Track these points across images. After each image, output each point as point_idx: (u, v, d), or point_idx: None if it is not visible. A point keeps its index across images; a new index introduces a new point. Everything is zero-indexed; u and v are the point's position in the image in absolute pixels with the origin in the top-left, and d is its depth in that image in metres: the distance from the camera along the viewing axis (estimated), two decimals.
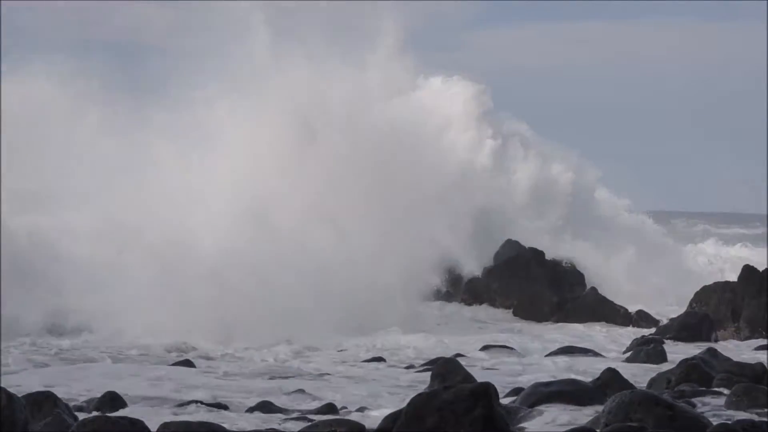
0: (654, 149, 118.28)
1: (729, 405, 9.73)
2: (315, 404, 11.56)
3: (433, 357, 15.45)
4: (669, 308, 22.95)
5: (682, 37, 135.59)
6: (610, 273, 25.53)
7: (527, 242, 24.56)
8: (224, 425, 9.15)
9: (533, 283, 23.72)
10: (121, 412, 10.14)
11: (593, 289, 23.56)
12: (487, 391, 7.44)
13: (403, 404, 8.08)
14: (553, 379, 11.52)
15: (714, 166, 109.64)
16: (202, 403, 11.52)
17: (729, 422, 8.21)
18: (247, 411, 11.16)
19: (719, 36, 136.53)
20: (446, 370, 11.53)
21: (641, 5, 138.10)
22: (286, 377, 14.39)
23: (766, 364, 12.31)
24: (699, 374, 12.05)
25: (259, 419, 10.70)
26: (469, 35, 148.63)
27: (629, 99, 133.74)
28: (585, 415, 9.76)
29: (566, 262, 24.74)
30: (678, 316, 19.84)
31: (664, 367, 13.94)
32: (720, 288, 20.54)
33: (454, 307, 23.45)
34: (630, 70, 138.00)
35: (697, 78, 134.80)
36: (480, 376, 11.06)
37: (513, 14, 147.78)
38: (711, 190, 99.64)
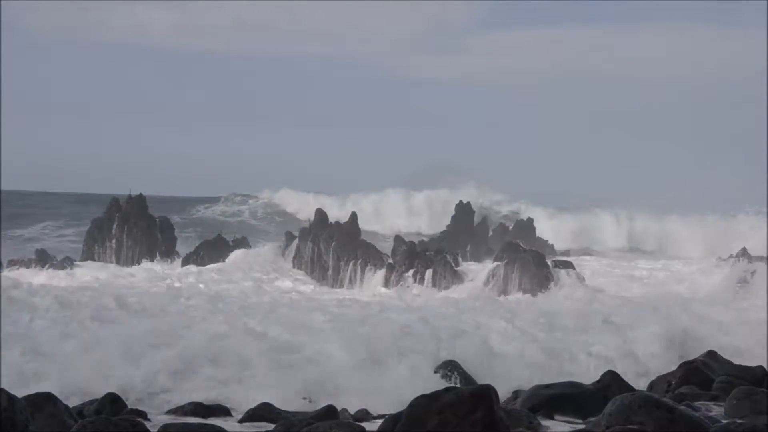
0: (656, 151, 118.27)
1: (729, 408, 9.71)
2: (315, 407, 11.57)
3: None
4: None
5: (684, 40, 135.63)
6: None
7: None
8: (224, 427, 9.14)
9: None
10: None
11: None
12: (488, 393, 7.44)
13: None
14: (553, 382, 11.53)
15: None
16: (202, 404, 11.54)
17: (729, 425, 8.20)
18: (246, 413, 11.16)
19: (721, 38, 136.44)
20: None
21: (642, 8, 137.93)
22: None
23: (766, 368, 12.32)
24: (699, 377, 12.06)
25: (258, 422, 10.71)
26: (471, 38, 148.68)
27: (632, 101, 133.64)
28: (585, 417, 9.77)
29: None
30: None
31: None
32: None
33: None
34: (632, 73, 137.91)
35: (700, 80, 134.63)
36: None
37: (514, 17, 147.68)
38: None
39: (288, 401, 12.55)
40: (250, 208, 72.08)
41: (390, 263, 34.31)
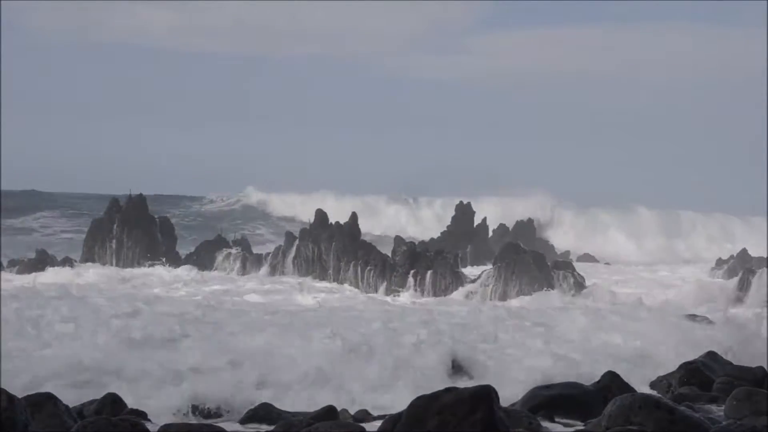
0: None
1: (729, 409, 9.70)
2: (315, 407, 11.54)
3: None
4: None
5: (683, 40, 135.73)
6: None
7: None
8: (224, 427, 9.13)
9: None
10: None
11: None
12: (488, 394, 7.44)
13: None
14: (553, 383, 11.52)
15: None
16: (203, 405, 11.52)
17: (730, 426, 8.20)
18: (246, 413, 11.15)
19: (721, 39, 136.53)
20: None
21: (642, 8, 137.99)
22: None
23: (766, 368, 12.31)
24: (699, 378, 12.06)
25: (258, 422, 10.70)
26: (471, 38, 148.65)
27: (632, 101, 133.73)
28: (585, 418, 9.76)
29: None
30: None
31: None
32: None
33: None
34: (632, 73, 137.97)
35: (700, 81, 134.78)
36: None
37: (514, 17, 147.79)
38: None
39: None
40: (248, 207, 72.12)
41: (391, 264, 34.31)
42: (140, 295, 26.34)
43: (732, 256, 43.19)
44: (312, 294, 30.48)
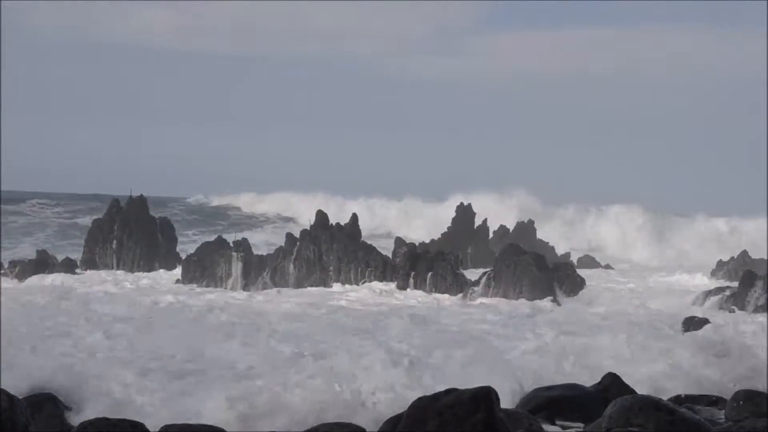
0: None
1: (730, 411, 9.71)
2: None
3: None
4: None
5: (683, 42, 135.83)
6: None
7: None
8: (224, 427, 9.12)
9: None
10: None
11: None
12: (489, 395, 7.44)
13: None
14: (554, 384, 11.51)
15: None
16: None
17: (730, 428, 8.21)
18: None
19: (721, 40, 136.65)
20: None
21: (642, 8, 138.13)
22: None
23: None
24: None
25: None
26: (471, 39, 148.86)
27: (632, 102, 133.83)
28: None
29: None
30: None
31: None
32: None
33: None
34: (632, 73, 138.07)
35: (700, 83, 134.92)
36: None
37: (515, 18, 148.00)
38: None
39: None
40: (246, 207, 72.14)
41: (391, 265, 34.30)
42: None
43: (732, 258, 43.15)
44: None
